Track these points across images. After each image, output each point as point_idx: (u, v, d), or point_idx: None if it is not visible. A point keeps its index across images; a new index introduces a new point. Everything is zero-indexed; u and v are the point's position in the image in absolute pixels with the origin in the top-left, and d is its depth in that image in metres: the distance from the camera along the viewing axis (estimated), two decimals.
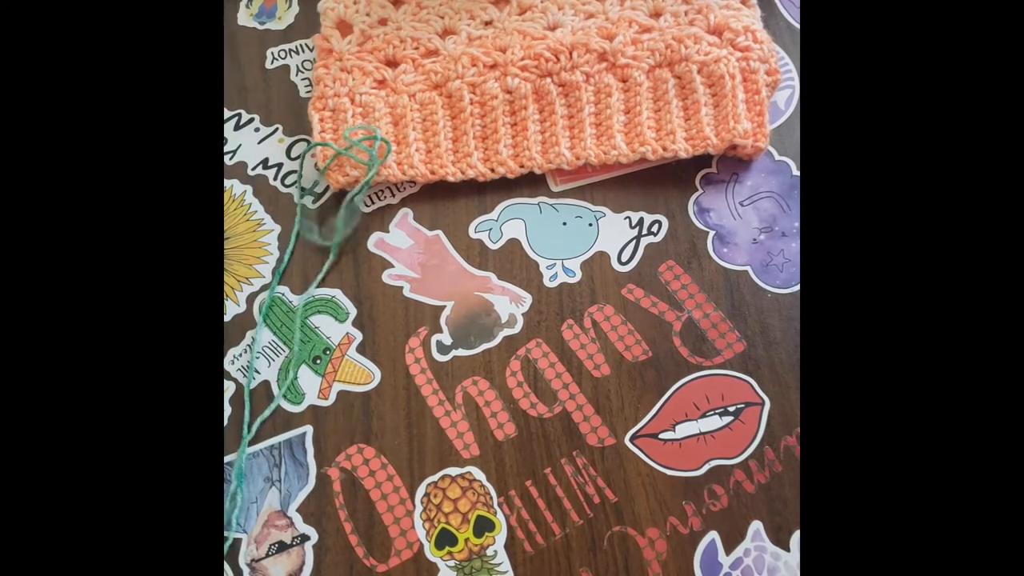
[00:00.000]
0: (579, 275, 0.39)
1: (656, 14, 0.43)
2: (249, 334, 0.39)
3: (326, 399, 0.37)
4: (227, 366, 0.38)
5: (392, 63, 0.43)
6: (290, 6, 0.48)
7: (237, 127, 0.44)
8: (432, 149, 0.41)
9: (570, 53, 0.41)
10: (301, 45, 0.46)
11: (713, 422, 0.36)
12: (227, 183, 0.42)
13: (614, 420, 0.36)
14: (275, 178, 0.42)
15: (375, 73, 0.42)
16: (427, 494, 0.35)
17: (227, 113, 0.44)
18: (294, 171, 0.42)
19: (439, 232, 0.41)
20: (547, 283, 0.39)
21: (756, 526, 0.34)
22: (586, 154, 0.40)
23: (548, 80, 0.41)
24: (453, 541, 0.34)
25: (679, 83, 0.41)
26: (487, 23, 0.43)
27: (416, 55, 0.43)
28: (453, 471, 0.35)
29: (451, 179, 0.41)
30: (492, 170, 0.41)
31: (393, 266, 0.40)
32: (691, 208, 0.40)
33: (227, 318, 0.39)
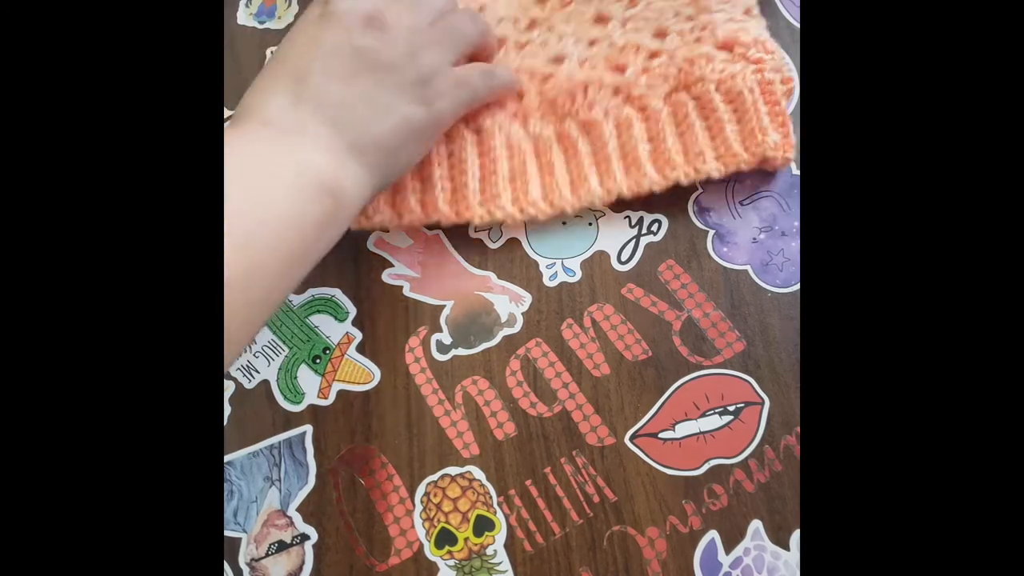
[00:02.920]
0: (579, 274, 0.39)
1: (661, 33, 0.42)
2: None
3: (326, 399, 0.37)
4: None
5: None
6: (290, 5, 0.47)
7: None
8: (459, 189, 0.39)
9: (584, 90, 0.40)
10: None
11: (713, 421, 0.36)
12: None
13: (614, 419, 0.36)
14: None
15: None
16: (427, 493, 0.35)
17: (227, 112, 0.44)
18: None
19: (439, 231, 0.41)
20: (547, 282, 0.39)
21: (756, 525, 0.34)
22: (618, 188, 0.39)
23: (568, 122, 0.40)
24: (453, 540, 0.34)
25: (698, 104, 0.40)
26: None
27: None
28: (453, 470, 0.35)
29: (477, 222, 0.39)
30: (521, 211, 0.39)
31: (393, 265, 0.40)
32: (691, 207, 0.40)
33: None
